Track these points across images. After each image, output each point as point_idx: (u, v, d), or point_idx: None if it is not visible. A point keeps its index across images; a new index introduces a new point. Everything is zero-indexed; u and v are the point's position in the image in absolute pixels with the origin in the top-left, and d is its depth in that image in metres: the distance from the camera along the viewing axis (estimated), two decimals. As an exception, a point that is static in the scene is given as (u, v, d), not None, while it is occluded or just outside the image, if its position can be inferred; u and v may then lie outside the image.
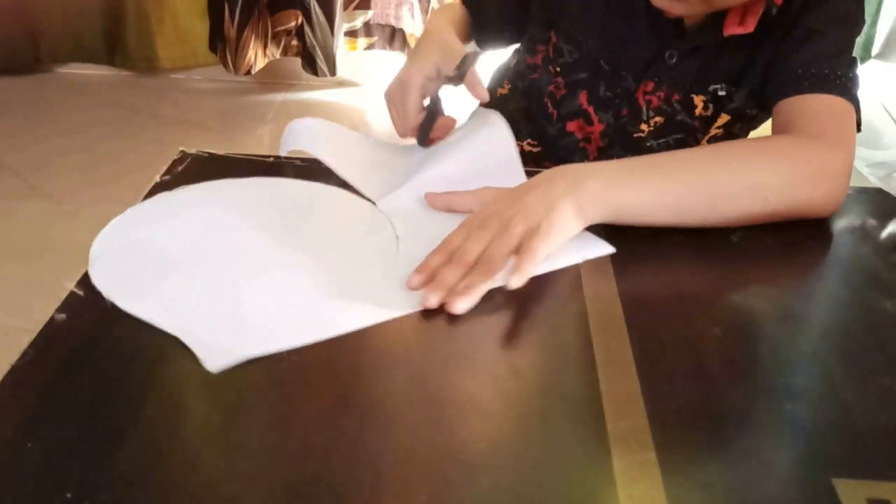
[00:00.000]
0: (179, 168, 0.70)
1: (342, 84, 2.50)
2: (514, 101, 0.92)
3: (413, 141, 0.75)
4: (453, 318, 0.53)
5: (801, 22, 0.73)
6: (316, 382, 0.46)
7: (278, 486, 0.39)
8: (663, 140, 0.83)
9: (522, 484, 0.40)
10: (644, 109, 0.83)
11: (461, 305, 0.53)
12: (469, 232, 0.58)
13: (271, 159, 0.73)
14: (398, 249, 0.61)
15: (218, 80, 2.48)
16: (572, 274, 0.59)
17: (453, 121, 0.75)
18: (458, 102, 0.79)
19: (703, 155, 0.66)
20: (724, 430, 0.45)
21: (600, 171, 0.61)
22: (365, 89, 2.51)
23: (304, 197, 0.67)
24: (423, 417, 0.44)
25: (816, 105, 0.70)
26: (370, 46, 2.46)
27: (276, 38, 2.40)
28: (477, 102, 0.72)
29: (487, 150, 0.70)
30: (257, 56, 2.36)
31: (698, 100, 0.81)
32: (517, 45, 0.95)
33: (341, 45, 2.40)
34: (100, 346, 0.48)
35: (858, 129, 0.72)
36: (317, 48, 2.31)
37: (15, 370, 0.45)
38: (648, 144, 0.84)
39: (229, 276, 0.55)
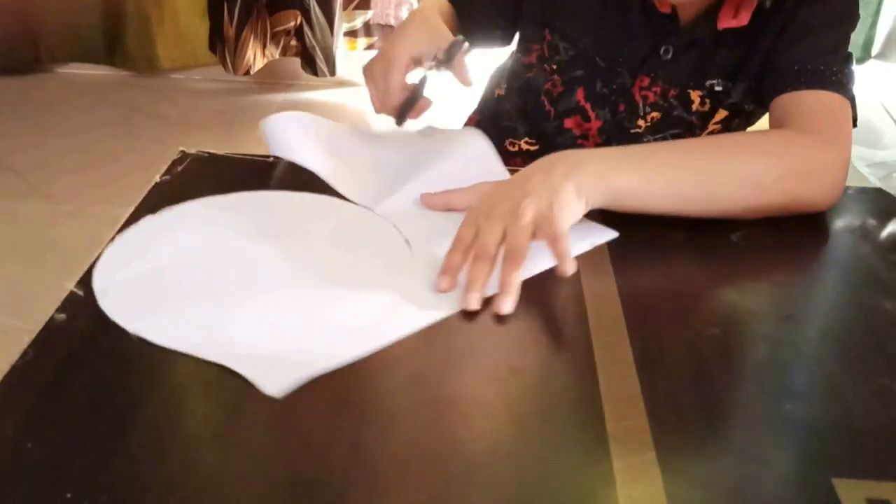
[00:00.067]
0: (179, 168, 0.70)
1: (342, 84, 2.49)
2: (510, 100, 0.92)
3: (386, 130, 0.74)
4: (453, 319, 0.53)
5: (796, 17, 0.74)
6: (316, 382, 0.46)
7: (278, 486, 0.39)
8: (661, 136, 0.84)
9: (522, 484, 0.40)
10: (641, 105, 0.83)
11: (507, 305, 0.53)
12: (478, 225, 0.58)
13: (271, 159, 0.72)
14: (412, 252, 0.60)
15: (218, 80, 2.48)
16: (572, 274, 0.59)
17: (430, 102, 0.74)
18: (437, 88, 0.77)
19: (701, 144, 0.68)
20: (723, 430, 0.45)
21: (598, 155, 0.62)
22: (365, 89, 2.51)
23: (299, 208, 0.66)
24: (423, 417, 0.44)
25: (812, 101, 0.71)
26: (370, 46, 2.46)
27: (275, 38, 2.40)
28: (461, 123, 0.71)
29: (471, 157, 0.70)
30: (256, 56, 2.36)
31: (695, 95, 0.81)
32: (513, 49, 0.95)
33: (341, 45, 2.40)
34: (100, 346, 0.48)
35: (854, 125, 0.73)
36: (316, 48, 2.31)
37: (15, 370, 0.45)
38: (646, 140, 0.84)
39: (262, 298, 0.54)
